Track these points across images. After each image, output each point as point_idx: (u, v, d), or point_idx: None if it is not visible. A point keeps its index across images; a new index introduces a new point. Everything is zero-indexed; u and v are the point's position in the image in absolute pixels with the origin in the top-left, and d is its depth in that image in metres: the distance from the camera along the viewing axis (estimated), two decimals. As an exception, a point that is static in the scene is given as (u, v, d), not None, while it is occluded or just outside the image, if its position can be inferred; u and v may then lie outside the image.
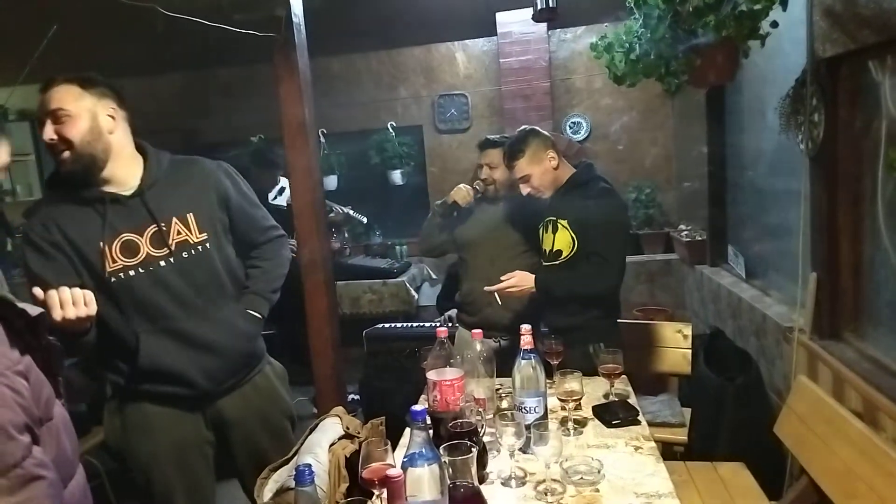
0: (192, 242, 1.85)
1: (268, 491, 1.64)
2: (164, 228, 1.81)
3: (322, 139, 5.12)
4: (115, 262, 1.76)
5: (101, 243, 1.75)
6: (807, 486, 2.14)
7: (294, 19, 2.60)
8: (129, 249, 1.78)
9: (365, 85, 5.37)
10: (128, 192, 1.80)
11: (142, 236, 1.79)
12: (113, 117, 1.77)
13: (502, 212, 2.74)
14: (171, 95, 5.34)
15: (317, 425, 1.83)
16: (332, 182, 5.20)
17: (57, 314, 1.48)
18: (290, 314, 3.23)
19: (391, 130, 5.23)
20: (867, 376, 2.04)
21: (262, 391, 2.04)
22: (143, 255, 1.79)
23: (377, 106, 5.36)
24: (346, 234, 5.28)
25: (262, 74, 4.25)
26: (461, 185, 2.77)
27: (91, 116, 1.73)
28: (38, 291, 1.51)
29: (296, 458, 1.70)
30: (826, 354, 2.26)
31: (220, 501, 2.08)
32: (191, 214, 1.85)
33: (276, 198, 4.18)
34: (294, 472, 1.14)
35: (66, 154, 1.71)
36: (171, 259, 1.81)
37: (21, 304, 1.00)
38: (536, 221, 2.60)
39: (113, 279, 1.76)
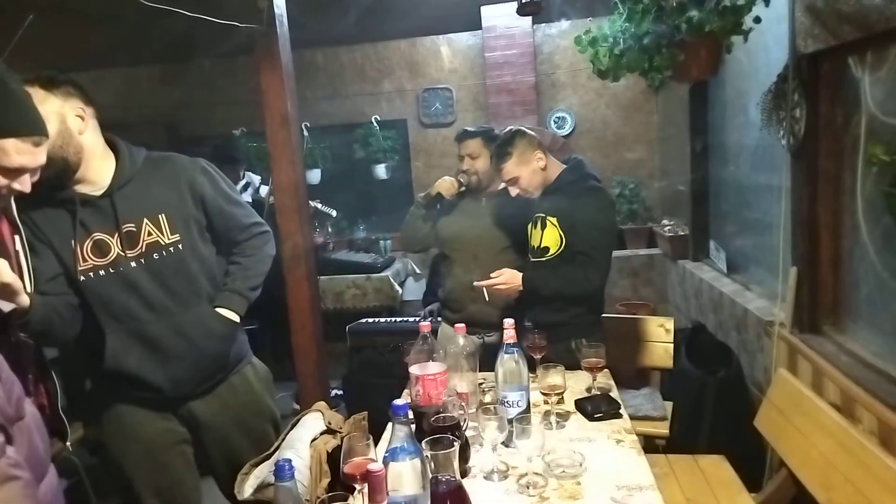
0: (163, 244, 1.80)
1: (248, 487, 1.63)
2: (134, 230, 1.77)
3: (305, 132, 5.08)
4: (85, 261, 1.73)
5: (73, 242, 1.72)
6: (786, 478, 2.17)
7: (276, 11, 2.57)
8: (100, 249, 1.75)
9: (349, 78, 5.34)
10: (98, 193, 1.76)
11: (112, 237, 1.76)
12: (82, 117, 1.71)
13: (486, 207, 2.73)
14: (152, 88, 5.27)
15: (298, 420, 1.82)
16: (315, 176, 5.16)
17: None
18: (272, 309, 3.21)
19: (375, 124, 5.21)
20: (846, 370, 2.06)
21: (239, 393, 1.99)
22: (114, 256, 1.76)
23: (361, 99, 5.33)
24: (330, 229, 5.26)
25: (244, 67, 4.22)
26: (445, 177, 2.75)
27: (59, 119, 1.66)
28: None
29: (277, 453, 1.69)
30: (806, 348, 2.29)
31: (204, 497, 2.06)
32: (163, 215, 1.81)
33: (241, 193, 4.14)
34: (274, 468, 1.13)
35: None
36: (142, 260, 1.78)
37: None
38: (521, 217, 2.60)
39: (83, 278, 1.73)
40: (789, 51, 2.30)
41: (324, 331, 2.96)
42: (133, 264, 1.77)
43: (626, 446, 1.76)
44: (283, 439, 1.74)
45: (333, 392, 3.80)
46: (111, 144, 1.81)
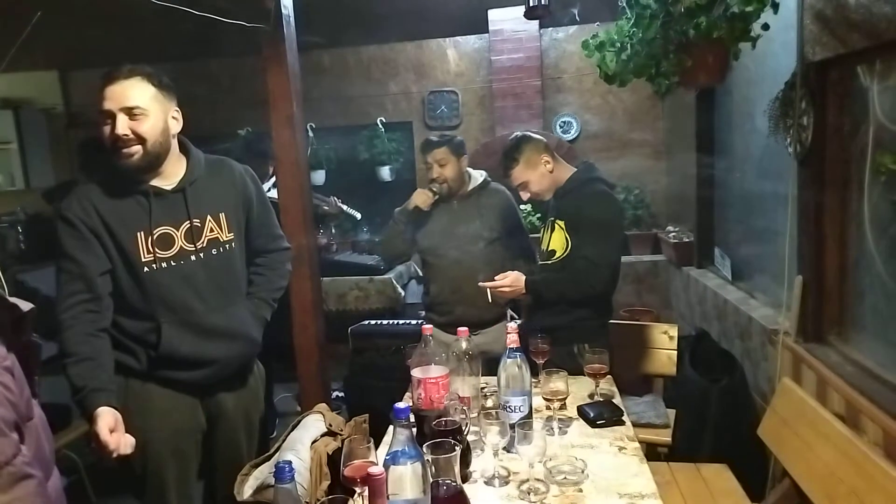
0: (221, 241, 1.91)
1: (248, 488, 1.62)
2: (199, 225, 1.87)
3: (310, 133, 5.08)
4: (149, 252, 1.80)
5: (140, 233, 1.79)
6: (789, 487, 2.15)
7: (283, 11, 2.57)
8: (165, 242, 1.82)
9: (355, 79, 5.34)
10: (170, 187, 1.85)
11: (178, 230, 1.84)
12: (177, 119, 1.84)
13: (459, 210, 2.78)
14: (159, 86, 5.27)
15: (299, 422, 1.81)
16: (319, 177, 5.16)
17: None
18: (275, 310, 3.20)
19: (380, 126, 5.20)
20: (850, 380, 2.05)
21: (251, 390, 2.08)
22: (177, 249, 1.84)
23: (367, 101, 5.33)
24: (333, 230, 5.25)
25: (251, 67, 4.22)
26: (419, 189, 2.80)
27: (164, 119, 1.79)
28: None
29: (277, 454, 1.68)
30: (810, 357, 2.27)
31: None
32: (223, 214, 1.92)
33: (269, 190, 4.11)
34: (274, 469, 1.12)
35: (137, 149, 1.74)
36: (202, 255, 1.87)
37: (12, 299, 0.96)
38: (496, 215, 2.70)
39: (146, 269, 1.80)
40: (797, 58, 2.30)
41: (325, 332, 2.96)
42: (193, 258, 1.86)
43: (628, 454, 1.75)
44: (284, 440, 1.74)
45: (334, 394, 3.79)
46: (181, 144, 1.91)
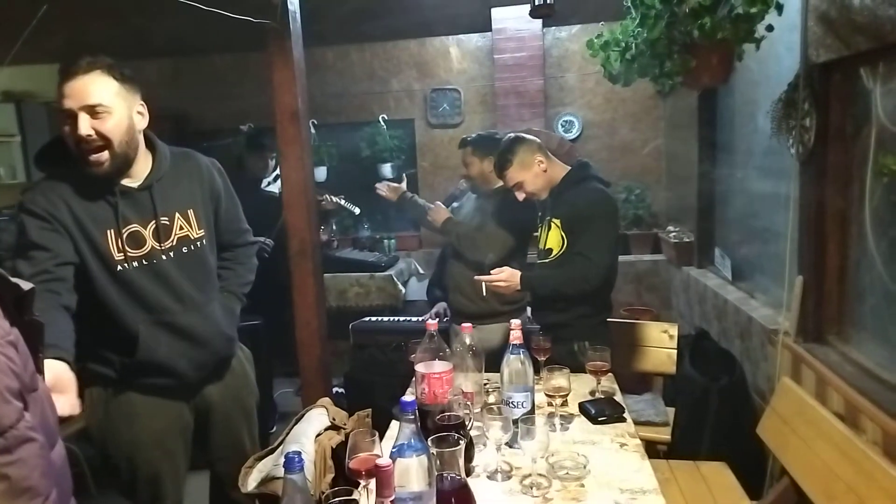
0: (192, 238, 1.87)
1: (252, 480, 1.64)
2: (167, 223, 1.81)
3: (313, 130, 5.08)
4: (119, 252, 1.75)
5: (110, 232, 1.74)
6: (787, 486, 2.17)
7: (290, 7, 2.58)
8: (135, 241, 1.77)
9: (357, 77, 5.33)
10: (136, 185, 1.79)
11: (146, 229, 1.79)
12: (142, 114, 1.77)
13: (476, 206, 2.97)
14: (162, 81, 5.27)
15: (303, 415, 1.82)
16: (321, 173, 5.16)
17: None
18: (276, 304, 3.21)
19: (383, 123, 5.20)
20: (850, 379, 2.06)
21: (238, 375, 2.07)
22: (148, 248, 1.79)
23: (369, 98, 5.33)
24: (335, 227, 5.25)
25: (255, 62, 4.21)
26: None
27: (129, 115, 1.70)
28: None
29: (281, 447, 1.70)
30: (810, 357, 2.29)
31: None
32: (191, 210, 1.87)
33: (269, 185, 4.11)
34: (283, 460, 1.13)
35: (104, 154, 1.66)
36: (172, 253, 1.82)
37: (14, 279, 1.00)
38: (514, 216, 2.75)
39: (119, 268, 1.75)
40: (801, 60, 2.31)
41: (327, 328, 2.97)
42: (164, 257, 1.81)
43: (629, 450, 1.77)
44: (288, 433, 1.75)
45: (335, 390, 3.80)
46: (147, 140, 1.84)
